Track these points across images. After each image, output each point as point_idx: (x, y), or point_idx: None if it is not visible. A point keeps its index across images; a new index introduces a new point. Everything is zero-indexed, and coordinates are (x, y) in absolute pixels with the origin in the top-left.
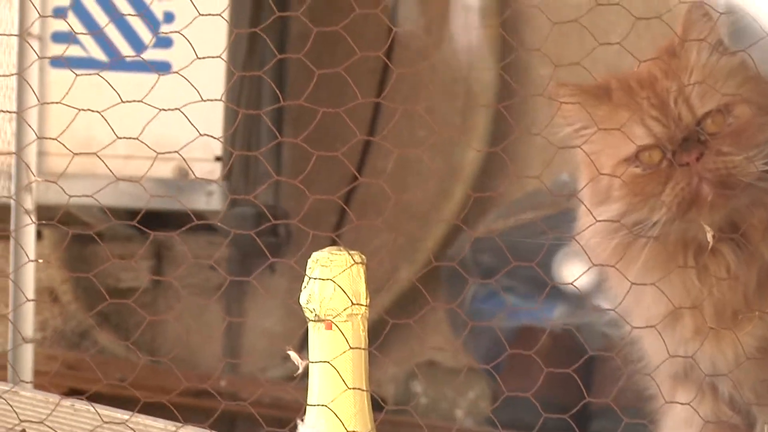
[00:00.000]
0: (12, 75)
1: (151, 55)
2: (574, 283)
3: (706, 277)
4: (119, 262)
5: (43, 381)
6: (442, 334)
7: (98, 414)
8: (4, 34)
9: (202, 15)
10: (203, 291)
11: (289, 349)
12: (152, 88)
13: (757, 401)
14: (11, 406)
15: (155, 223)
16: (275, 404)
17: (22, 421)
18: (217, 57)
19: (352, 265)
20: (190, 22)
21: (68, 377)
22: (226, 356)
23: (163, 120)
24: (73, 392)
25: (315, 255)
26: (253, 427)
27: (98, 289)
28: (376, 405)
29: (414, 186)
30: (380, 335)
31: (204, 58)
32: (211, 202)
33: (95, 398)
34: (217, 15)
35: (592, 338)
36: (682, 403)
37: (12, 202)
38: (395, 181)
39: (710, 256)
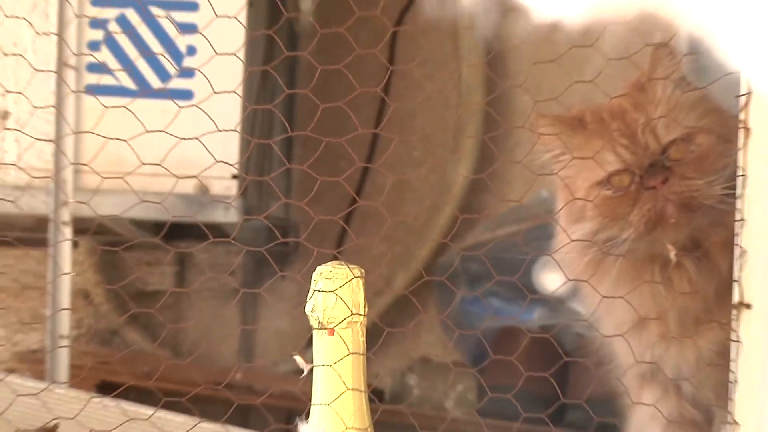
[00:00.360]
0: (49, 107)
1: (176, 84)
2: (552, 290)
3: (670, 289)
4: (146, 268)
5: (78, 374)
6: (434, 334)
7: (123, 410)
8: (43, 70)
9: (219, 54)
10: (221, 294)
11: (295, 354)
12: (175, 116)
13: (716, 401)
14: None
15: (180, 233)
16: (285, 396)
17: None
18: (232, 92)
19: (352, 278)
20: (208, 60)
21: (101, 371)
22: (241, 353)
23: (186, 142)
24: (104, 384)
25: (319, 269)
26: (265, 417)
27: (127, 292)
28: (377, 396)
29: (410, 202)
30: (380, 336)
31: (220, 92)
32: (228, 215)
33: (125, 391)
34: (232, 54)
35: (568, 338)
36: (647, 404)
37: (51, 215)
38: (393, 196)
39: (674, 271)
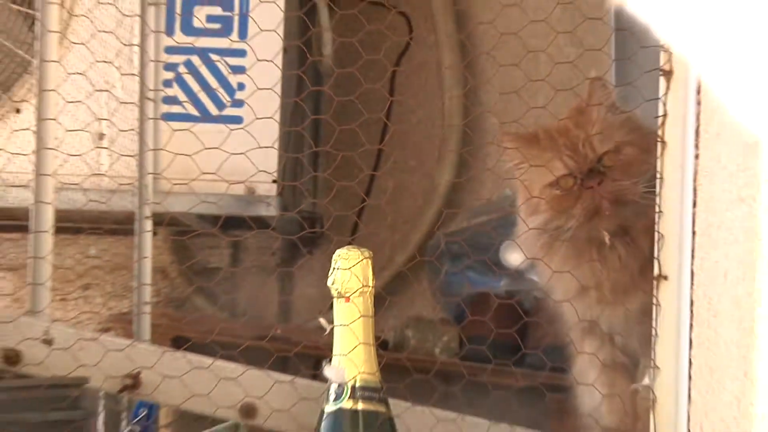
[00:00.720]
0: (133, 130)
1: (229, 111)
2: (514, 265)
3: (605, 265)
4: (208, 251)
5: (156, 331)
6: (426, 299)
7: (189, 360)
8: (128, 102)
9: (261, 89)
10: (264, 270)
11: (320, 317)
12: (227, 137)
13: (641, 350)
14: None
15: (233, 224)
16: (313, 347)
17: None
18: (271, 118)
19: (363, 259)
20: (252, 93)
21: (174, 329)
22: (279, 314)
23: (237, 155)
24: (177, 339)
25: (338, 251)
26: (298, 362)
27: (194, 269)
28: (383, 346)
29: (406, 200)
30: (384, 301)
31: (262, 118)
32: (269, 210)
33: (192, 345)
34: (271, 89)
35: (527, 301)
36: (588, 353)
37: (136, 212)
38: (394, 196)
39: (608, 251)
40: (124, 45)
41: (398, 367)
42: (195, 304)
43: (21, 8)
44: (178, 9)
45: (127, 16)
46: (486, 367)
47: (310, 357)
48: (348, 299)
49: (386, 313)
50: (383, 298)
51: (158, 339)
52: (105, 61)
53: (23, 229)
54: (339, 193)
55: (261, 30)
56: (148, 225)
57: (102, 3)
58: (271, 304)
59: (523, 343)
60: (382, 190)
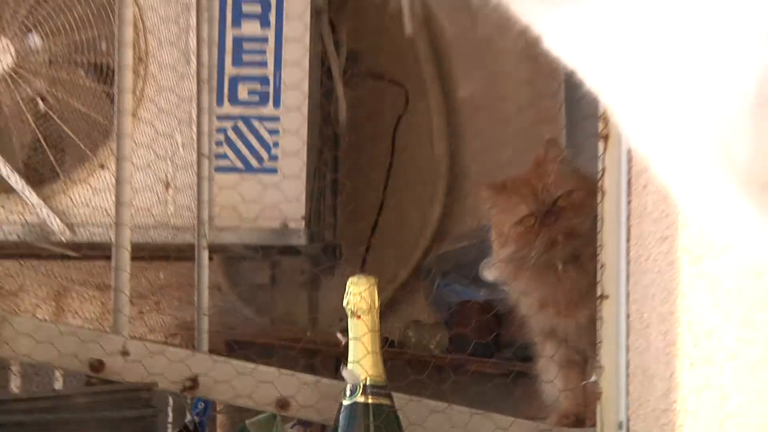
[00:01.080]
0: (193, 178)
1: (267, 164)
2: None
3: (560, 286)
4: (253, 272)
5: (213, 336)
6: (422, 306)
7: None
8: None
9: (288, 154)
10: (297, 287)
11: (338, 333)
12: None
13: (590, 352)
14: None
15: (271, 250)
16: (336, 348)
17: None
18: (301, 171)
19: (370, 285)
20: (284, 151)
21: (227, 334)
22: (309, 322)
23: (274, 198)
24: (229, 342)
25: (350, 279)
26: (324, 361)
27: (242, 286)
28: (389, 344)
29: (407, 229)
30: (392, 307)
31: (293, 171)
32: (300, 240)
33: (243, 345)
34: (299, 149)
35: (502, 308)
36: (549, 354)
37: (195, 242)
38: (397, 226)
39: (562, 274)
40: (189, 118)
41: (402, 361)
42: (243, 313)
43: (105, 89)
44: (226, 85)
45: (186, 95)
46: (470, 359)
47: (333, 354)
48: (359, 317)
49: (392, 317)
50: (390, 306)
51: (215, 343)
52: (168, 133)
53: (109, 257)
54: (354, 226)
55: (288, 104)
56: (206, 253)
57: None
58: (302, 314)
59: (499, 342)
60: (387, 222)
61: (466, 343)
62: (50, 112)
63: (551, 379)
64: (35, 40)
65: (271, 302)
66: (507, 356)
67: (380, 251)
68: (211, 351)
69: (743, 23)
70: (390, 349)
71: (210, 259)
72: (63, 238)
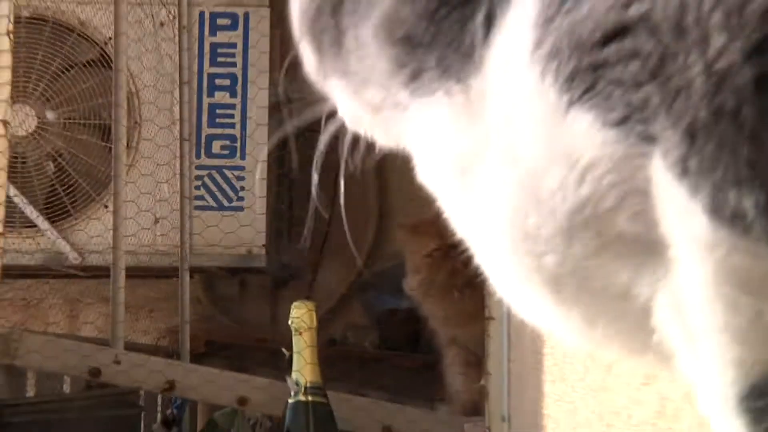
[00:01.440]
0: (176, 213)
1: (235, 203)
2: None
3: (460, 305)
4: (225, 286)
5: (194, 338)
6: (359, 313)
7: (202, 373)
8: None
9: (259, 198)
10: (260, 297)
11: (283, 348)
12: (235, 222)
13: (483, 354)
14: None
15: (240, 270)
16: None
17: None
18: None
19: (309, 309)
20: (246, 198)
21: (206, 336)
22: (271, 324)
23: (242, 229)
24: (208, 342)
25: (294, 303)
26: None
27: (217, 297)
28: (333, 343)
29: (348, 252)
30: (336, 313)
31: (253, 213)
32: (261, 263)
33: (219, 345)
34: (261, 198)
35: (420, 315)
36: (452, 355)
37: (179, 265)
38: (340, 251)
39: (459, 296)
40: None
41: (342, 356)
42: (218, 320)
43: (108, 145)
44: (203, 142)
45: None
46: (396, 354)
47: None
48: (301, 334)
49: (335, 322)
50: (334, 313)
51: (196, 343)
52: (158, 180)
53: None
54: (305, 250)
55: (252, 156)
56: (187, 274)
57: (161, 146)
58: (265, 320)
59: (419, 339)
60: (332, 248)
61: (393, 342)
62: (65, 164)
63: (454, 375)
64: (51, 110)
65: (240, 311)
66: (425, 352)
67: (326, 270)
68: (193, 350)
69: None
70: (333, 347)
71: (191, 277)
72: (75, 262)
